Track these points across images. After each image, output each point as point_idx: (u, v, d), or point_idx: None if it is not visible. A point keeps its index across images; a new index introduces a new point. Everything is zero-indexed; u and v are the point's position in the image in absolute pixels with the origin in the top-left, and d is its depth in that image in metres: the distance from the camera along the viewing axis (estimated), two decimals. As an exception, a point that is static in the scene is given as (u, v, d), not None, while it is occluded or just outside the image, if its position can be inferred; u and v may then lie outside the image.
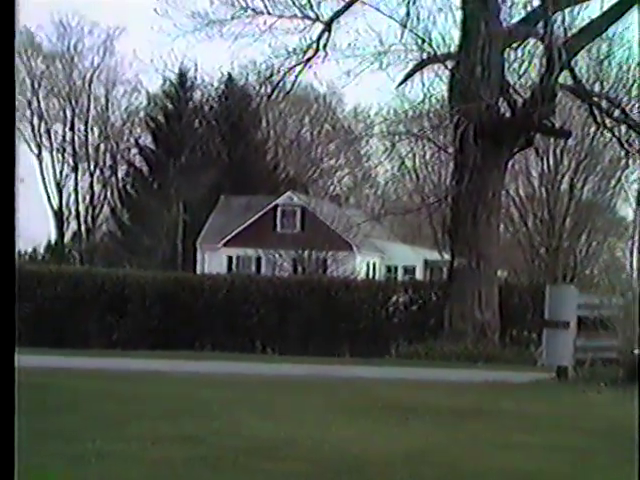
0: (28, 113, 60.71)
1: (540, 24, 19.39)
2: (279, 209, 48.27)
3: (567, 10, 19.55)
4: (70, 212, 61.10)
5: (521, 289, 22.11)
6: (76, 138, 60.28)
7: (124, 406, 8.90)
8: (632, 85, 21.35)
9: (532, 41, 20.17)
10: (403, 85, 21.30)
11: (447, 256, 23.93)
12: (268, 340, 21.60)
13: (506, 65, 20.27)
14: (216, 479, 5.73)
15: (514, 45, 20.24)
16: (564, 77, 20.17)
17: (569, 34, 19.52)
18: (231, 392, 10.49)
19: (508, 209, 40.39)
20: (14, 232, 3.05)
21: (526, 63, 20.45)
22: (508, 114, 20.40)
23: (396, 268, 50.10)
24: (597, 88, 21.83)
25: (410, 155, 31.32)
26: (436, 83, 21.46)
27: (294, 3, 20.22)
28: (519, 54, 20.41)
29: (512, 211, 42.61)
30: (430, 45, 20.10)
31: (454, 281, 20.20)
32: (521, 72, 20.68)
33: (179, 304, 22.03)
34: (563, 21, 19.24)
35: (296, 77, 21.15)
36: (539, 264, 42.08)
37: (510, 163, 22.63)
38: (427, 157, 34.50)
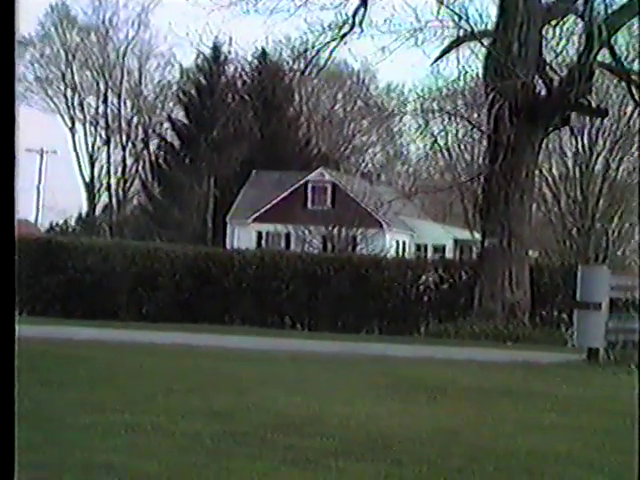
0: (62, 86, 61.05)
1: (580, 1, 19.12)
2: (310, 185, 48.23)
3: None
4: (101, 185, 61.52)
5: (552, 269, 21.96)
6: (109, 111, 60.60)
7: (153, 379, 8.95)
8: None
9: (571, 18, 19.91)
10: (438, 62, 21.17)
11: (478, 235, 23.85)
12: (297, 316, 21.66)
13: (544, 43, 20.04)
14: (244, 453, 5.76)
15: (553, 22, 19.99)
16: (602, 55, 19.91)
17: (609, 11, 19.24)
18: (260, 367, 10.52)
19: (541, 189, 40.11)
20: (13, 227, 3.03)
21: (564, 41, 20.21)
22: (544, 92, 20.19)
23: (426, 247, 49.98)
24: (636, 66, 21.53)
25: (443, 133, 31.10)
26: (472, 60, 21.30)
27: (331, -22, 20.08)
28: (557, 32, 20.18)
29: (545, 191, 42.30)
30: (467, 22, 19.94)
31: (485, 260, 20.12)
32: (559, 50, 20.45)
33: (209, 278, 22.12)
34: (604, -2, 18.97)
35: (330, 53, 21.04)
36: (571, 245, 41.78)
37: (544, 142, 22.43)
38: (460, 135, 34.26)
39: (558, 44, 20.40)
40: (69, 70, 60.44)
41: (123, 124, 60.47)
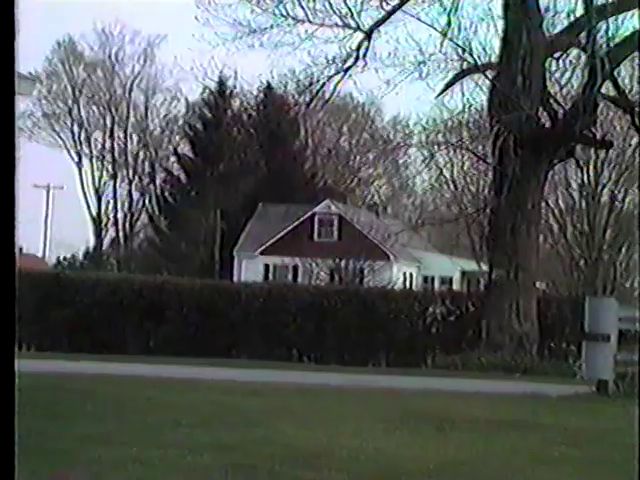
0: (69, 121, 61.44)
1: (583, 34, 19.22)
2: (316, 218, 48.27)
3: (610, 19, 19.36)
4: (108, 219, 61.70)
5: (560, 301, 21.91)
6: (115, 146, 60.96)
7: (161, 413, 8.92)
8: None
9: (574, 51, 20.01)
10: (443, 95, 21.24)
11: (485, 267, 23.79)
12: (305, 349, 21.59)
13: (547, 75, 20.13)
14: (252, 487, 5.72)
15: (556, 55, 20.09)
16: (606, 87, 19.99)
17: (612, 44, 19.33)
18: (267, 400, 10.48)
19: (547, 220, 40.09)
20: (14, 233, 3.08)
21: (568, 73, 20.30)
22: (548, 124, 20.24)
23: (433, 278, 49.88)
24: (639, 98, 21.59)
25: (448, 165, 31.23)
26: (476, 93, 21.40)
27: (335, 12, 20.23)
28: (561, 64, 20.27)
29: (551, 222, 42.28)
30: (471, 55, 20.03)
31: (492, 292, 20.05)
32: (563, 82, 20.53)
33: (216, 312, 22.09)
34: (607, 31, 19.05)
35: (335, 86, 21.16)
36: (578, 276, 41.69)
37: (550, 174, 22.46)
38: (466, 167, 34.36)
39: (562, 76, 20.52)
40: (76, 105, 60.85)
41: (129, 158, 60.78)
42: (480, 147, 24.62)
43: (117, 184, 60.88)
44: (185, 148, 55.29)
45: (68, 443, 6.88)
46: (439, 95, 21.25)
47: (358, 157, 63.28)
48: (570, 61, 20.29)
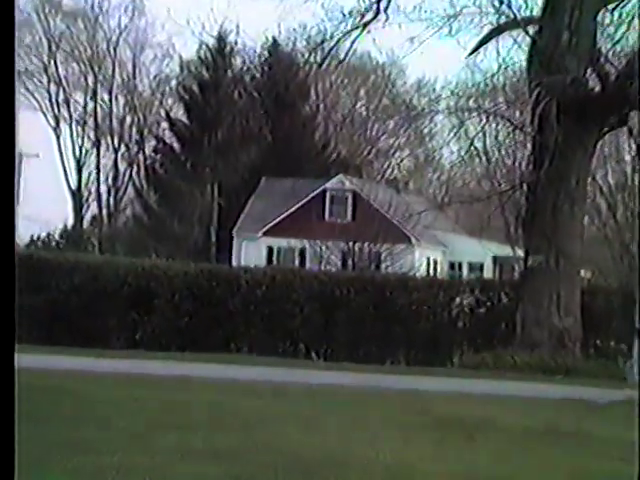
0: (45, 80, 61.29)
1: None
2: (328, 194, 48.25)
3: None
4: (90, 193, 61.76)
5: (608, 292, 21.84)
6: (99, 109, 60.87)
7: (149, 415, 8.95)
8: None
9: (632, 0, 19.80)
10: (475, 54, 21.15)
11: (520, 252, 23.76)
12: (313, 344, 21.62)
13: (598, 30, 19.96)
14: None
15: (610, 6, 19.90)
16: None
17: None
18: (270, 402, 10.51)
19: (594, 199, 39.94)
20: (14, 230, 3.26)
21: (623, 27, 20.09)
22: (598, 88, 20.13)
23: (460, 265, 49.82)
24: None
25: (480, 135, 31.02)
26: (514, 52, 21.28)
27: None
28: (615, 17, 20.08)
29: (599, 201, 42.13)
30: (509, 7, 19.91)
31: (528, 281, 20.05)
32: (616, 38, 20.34)
33: (212, 300, 22.14)
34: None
35: (352, 44, 21.07)
36: (629, 263, 41.56)
37: (598, 145, 22.39)
38: (500, 137, 34.21)
39: (616, 32, 20.30)
40: (52, 62, 60.79)
41: (115, 124, 60.75)
42: (517, 114, 24.52)
43: (100, 153, 60.94)
44: (178, 113, 55.26)
45: (45, 450, 6.89)
46: (471, 54, 21.17)
47: (376, 125, 63.18)
48: (627, 13, 20.07)
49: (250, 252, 46.38)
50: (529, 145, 22.20)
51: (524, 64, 20.94)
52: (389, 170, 64.01)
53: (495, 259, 47.96)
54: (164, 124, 56.68)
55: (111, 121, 61.04)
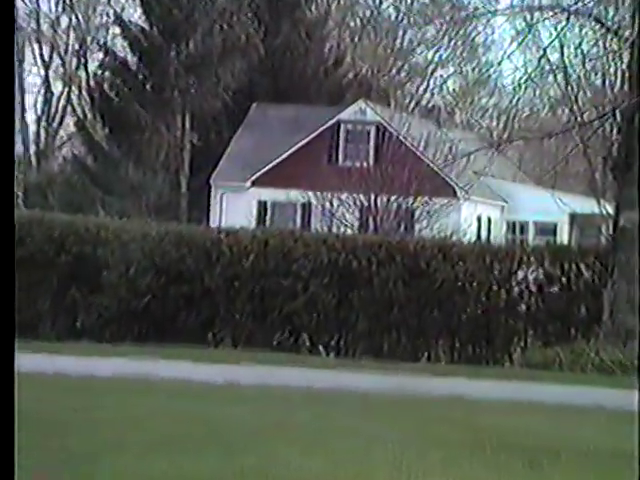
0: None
1: None
2: (343, 128, 48.19)
3: None
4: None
5: None
6: (21, 5, 60.59)
7: (96, 430, 9.04)
8: None
9: None
10: None
11: (610, 207, 23.74)
12: (321, 334, 21.71)
13: None
14: None
15: None
16: None
17: None
18: (260, 411, 10.59)
19: None
20: (14, 230, 3.79)
21: None
22: None
23: (524, 226, 49.84)
24: None
25: (557, 44, 30.73)
26: None
27: None
28: None
29: None
30: None
31: (621, 248, 20.10)
32: None
33: (183, 274, 22.21)
34: None
35: None
36: None
37: None
38: (585, 47, 33.96)
39: None
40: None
41: (44, 27, 60.66)
42: (611, 13, 24.32)
43: (24, 68, 60.87)
44: (135, 14, 55.14)
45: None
46: None
47: (409, 32, 62.98)
48: None
49: (235, 208, 46.36)
50: (626, 56, 22.09)
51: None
52: (427, 95, 63.86)
53: (573, 217, 47.97)
54: (114, 29, 56.38)
55: (38, 23, 60.74)
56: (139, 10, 53.96)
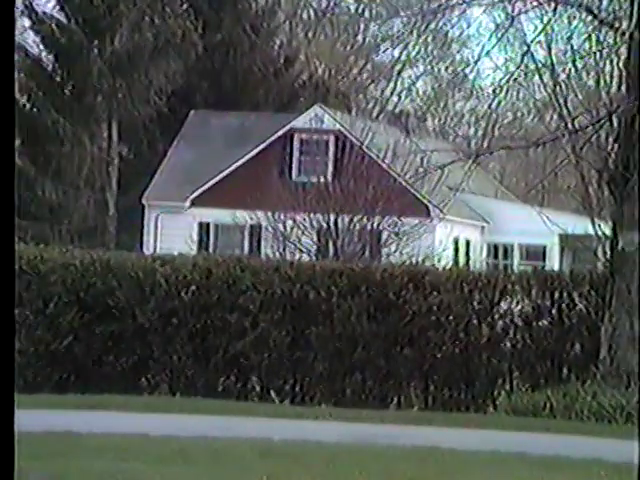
0: None
1: None
2: (296, 137, 48.28)
3: None
4: None
5: None
6: None
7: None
8: None
9: None
10: None
11: (606, 228, 23.89)
12: (272, 377, 21.74)
13: None
14: None
15: None
16: None
17: None
18: (203, 471, 10.59)
19: None
20: (13, 231, 3.96)
21: None
22: None
23: (507, 249, 50.03)
24: None
25: (543, 38, 30.92)
26: None
27: None
28: None
29: None
30: None
31: (620, 275, 20.20)
32: None
33: (111, 309, 22.20)
34: None
35: None
36: None
37: None
38: (575, 41, 34.21)
39: None
40: None
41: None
42: (604, 1, 24.49)
43: None
44: (48, 3, 54.99)
45: None
46: None
47: (372, 26, 63.23)
48: None
49: (172, 231, 46.35)
50: (623, 52, 22.25)
51: None
52: (393, 99, 64.09)
53: (564, 239, 48.19)
54: (24, 21, 56.09)
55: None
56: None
